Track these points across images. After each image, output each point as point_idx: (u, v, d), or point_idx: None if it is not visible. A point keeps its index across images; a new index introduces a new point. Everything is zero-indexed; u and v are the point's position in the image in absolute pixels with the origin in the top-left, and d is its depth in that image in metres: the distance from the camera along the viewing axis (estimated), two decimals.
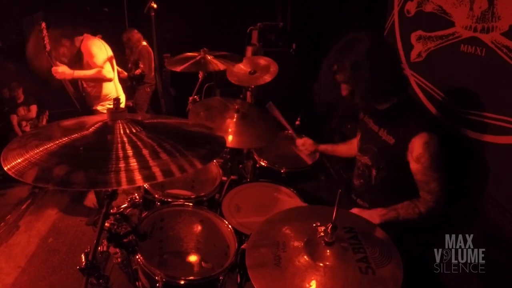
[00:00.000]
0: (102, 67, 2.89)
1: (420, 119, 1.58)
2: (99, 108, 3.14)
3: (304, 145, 2.36)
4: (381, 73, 1.50)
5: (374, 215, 1.58)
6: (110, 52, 3.10)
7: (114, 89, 3.18)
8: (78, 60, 2.96)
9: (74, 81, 2.99)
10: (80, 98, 3.08)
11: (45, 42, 2.69)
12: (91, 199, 3.69)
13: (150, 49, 4.69)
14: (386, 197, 1.68)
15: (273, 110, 2.47)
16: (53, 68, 2.81)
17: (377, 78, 1.50)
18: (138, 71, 4.65)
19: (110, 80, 2.99)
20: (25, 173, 0.96)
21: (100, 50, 2.95)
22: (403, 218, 1.56)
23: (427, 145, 1.49)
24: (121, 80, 3.56)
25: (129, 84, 4.73)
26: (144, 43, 4.74)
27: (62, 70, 2.81)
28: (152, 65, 4.73)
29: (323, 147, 2.33)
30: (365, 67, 1.49)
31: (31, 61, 3.14)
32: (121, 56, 4.55)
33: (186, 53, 2.72)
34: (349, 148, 2.19)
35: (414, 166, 1.55)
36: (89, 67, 2.93)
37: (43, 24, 2.66)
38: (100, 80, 2.97)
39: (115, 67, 3.22)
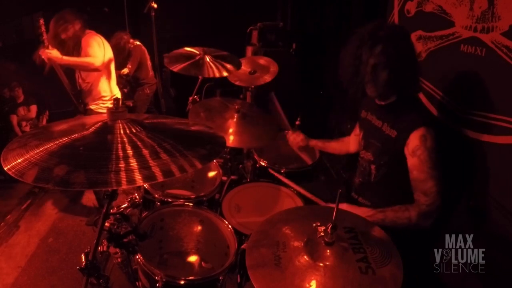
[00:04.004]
0: (92, 56, 2.87)
1: (420, 114, 1.59)
2: (93, 107, 3.13)
3: (295, 139, 2.35)
4: (405, 65, 1.52)
5: (360, 214, 1.52)
6: (109, 53, 3.09)
7: (108, 89, 3.16)
8: (75, 51, 2.96)
9: (71, 76, 2.98)
10: (76, 93, 3.08)
11: (43, 38, 2.70)
12: (91, 199, 3.69)
13: (143, 48, 4.58)
14: (386, 195, 1.68)
15: (274, 101, 2.46)
16: (41, 49, 2.76)
17: (403, 69, 1.51)
18: (124, 71, 4.45)
19: (97, 69, 2.94)
20: (25, 173, 0.96)
21: (98, 46, 2.95)
22: (391, 221, 1.50)
23: (424, 138, 1.49)
24: (120, 84, 3.54)
25: (129, 88, 4.64)
26: (137, 42, 4.60)
27: (50, 52, 2.74)
28: (147, 64, 4.64)
29: (314, 142, 2.33)
30: (406, 57, 1.51)
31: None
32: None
33: (185, 48, 2.72)
34: (340, 145, 2.22)
35: (410, 161, 1.53)
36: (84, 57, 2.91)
37: (41, 21, 2.67)
38: (87, 67, 2.92)
39: (113, 69, 3.21)
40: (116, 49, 4.55)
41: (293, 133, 2.38)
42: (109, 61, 3.09)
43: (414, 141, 1.51)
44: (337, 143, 2.26)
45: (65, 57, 2.82)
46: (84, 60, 2.88)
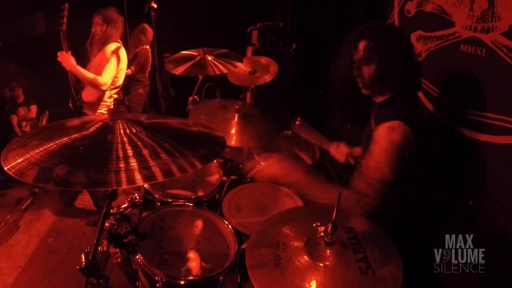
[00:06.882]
0: (102, 77, 2.88)
1: (403, 110, 1.50)
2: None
3: (338, 148, 2.18)
4: (390, 60, 1.49)
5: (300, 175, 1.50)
6: (123, 64, 3.08)
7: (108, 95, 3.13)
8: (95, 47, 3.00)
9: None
10: (78, 88, 3.06)
11: (63, 21, 2.75)
12: (91, 199, 3.68)
13: (150, 54, 4.58)
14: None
15: (302, 127, 2.35)
16: (60, 52, 2.81)
17: (387, 64, 1.49)
18: (127, 73, 4.48)
19: (102, 91, 2.97)
20: (25, 173, 0.96)
21: (114, 67, 2.94)
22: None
23: (391, 129, 1.41)
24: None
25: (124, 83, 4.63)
26: (146, 46, 4.60)
27: (66, 58, 2.80)
28: (147, 68, 4.64)
29: (358, 150, 2.07)
30: (392, 53, 1.48)
31: None
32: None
33: (185, 51, 2.71)
34: None
35: (371, 145, 1.46)
36: (98, 64, 2.91)
37: (66, 5, 2.75)
38: (93, 86, 2.93)
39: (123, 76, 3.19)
40: (132, 41, 4.54)
41: (334, 144, 2.19)
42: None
43: (381, 131, 1.44)
44: None
45: (78, 68, 2.84)
46: (93, 79, 2.86)
